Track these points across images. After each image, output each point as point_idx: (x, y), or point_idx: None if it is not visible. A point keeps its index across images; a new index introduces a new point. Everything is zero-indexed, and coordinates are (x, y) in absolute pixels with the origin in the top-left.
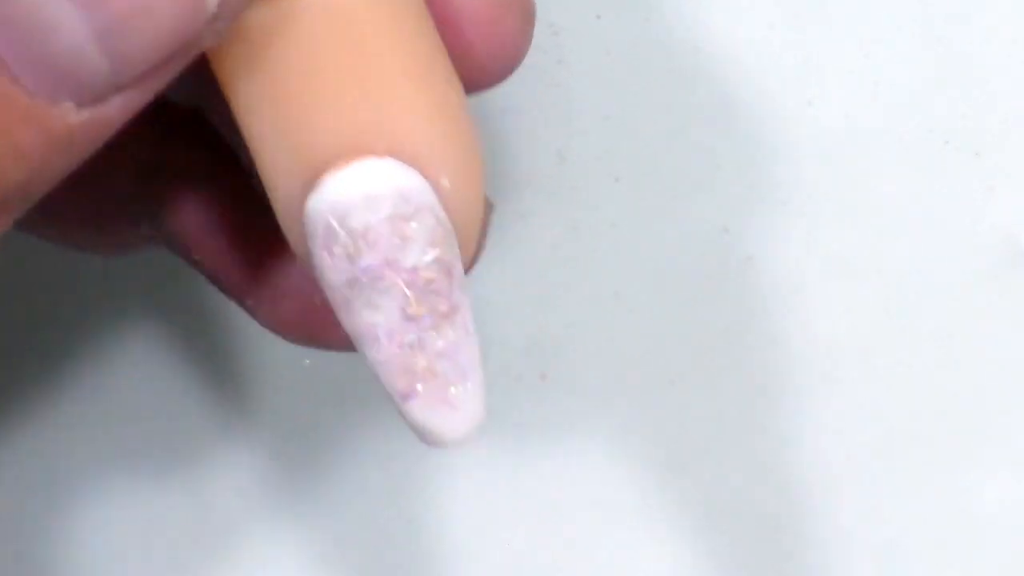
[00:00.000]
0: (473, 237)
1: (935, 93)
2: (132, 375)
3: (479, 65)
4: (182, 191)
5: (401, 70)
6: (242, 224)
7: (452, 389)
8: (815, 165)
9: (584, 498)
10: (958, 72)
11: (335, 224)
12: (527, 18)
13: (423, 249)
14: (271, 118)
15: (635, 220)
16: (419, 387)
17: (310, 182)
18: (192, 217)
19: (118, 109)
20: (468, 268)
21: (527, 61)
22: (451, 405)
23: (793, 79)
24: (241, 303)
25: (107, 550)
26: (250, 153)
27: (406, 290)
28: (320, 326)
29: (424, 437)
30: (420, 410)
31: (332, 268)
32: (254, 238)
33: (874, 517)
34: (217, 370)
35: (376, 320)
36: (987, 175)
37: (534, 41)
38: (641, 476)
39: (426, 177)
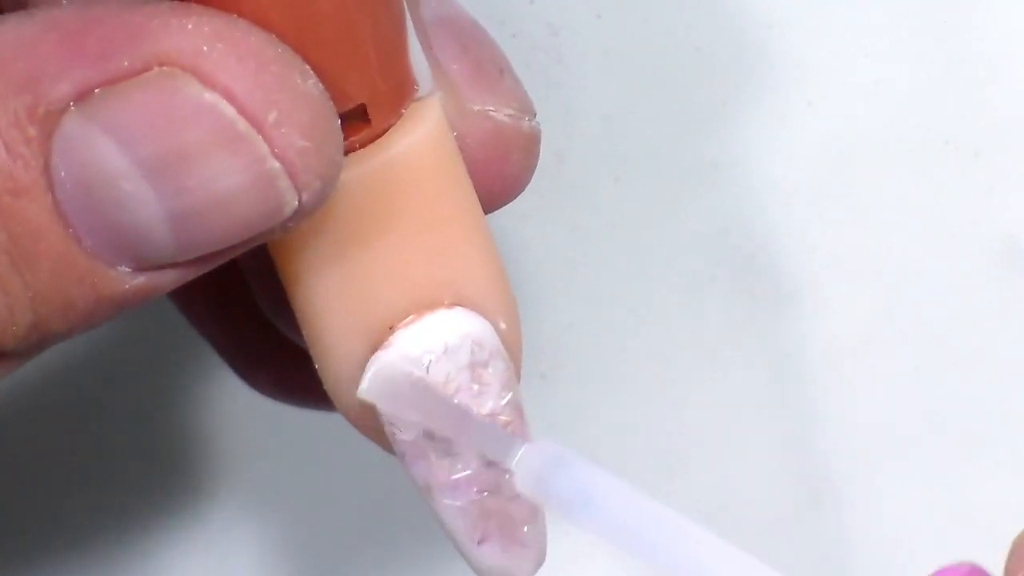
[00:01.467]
0: (520, 370)
1: (935, 93)
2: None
3: (483, 199)
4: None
5: (461, 224)
6: (233, 299)
7: (525, 528)
8: (815, 165)
9: None
10: (958, 72)
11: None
12: (530, 153)
13: (499, 393)
14: (334, 277)
15: (635, 220)
16: (495, 532)
17: (378, 340)
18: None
19: (172, 279)
20: None
21: (527, 60)
22: (523, 544)
23: (793, 79)
24: (224, 358)
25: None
26: (295, 307)
27: None
28: (294, 390)
29: None
30: (495, 552)
31: (410, 422)
32: (241, 312)
33: (874, 515)
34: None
35: (456, 469)
36: (987, 175)
37: (534, 41)
38: (641, 476)
39: (489, 322)
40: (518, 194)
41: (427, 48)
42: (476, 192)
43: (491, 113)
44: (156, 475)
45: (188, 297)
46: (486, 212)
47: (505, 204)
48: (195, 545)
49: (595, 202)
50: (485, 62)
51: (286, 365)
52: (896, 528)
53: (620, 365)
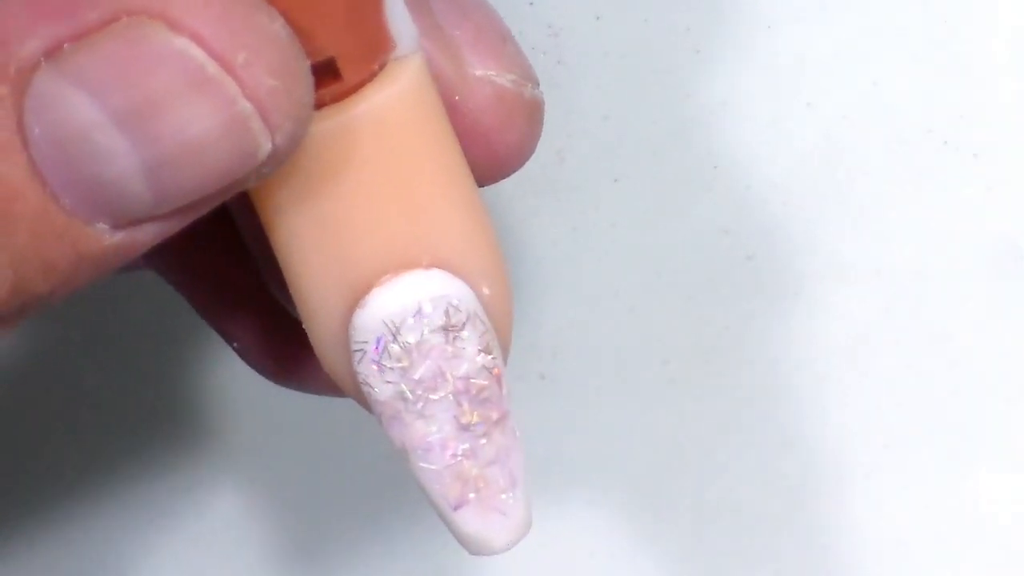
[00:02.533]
0: (509, 339)
1: (935, 93)
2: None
3: (486, 167)
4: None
5: (441, 184)
6: (233, 277)
7: (503, 496)
8: (815, 165)
9: (583, 498)
10: (958, 72)
11: (388, 338)
12: (533, 121)
13: (474, 357)
14: (312, 235)
15: (635, 220)
16: (471, 495)
17: (356, 298)
18: (187, 267)
19: (151, 235)
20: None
21: None
22: (501, 512)
23: (793, 79)
24: (229, 342)
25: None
26: (281, 266)
27: (460, 399)
28: (299, 373)
29: (472, 545)
30: (471, 518)
31: (383, 382)
32: (245, 290)
33: (874, 516)
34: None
35: (429, 431)
36: (986, 175)
37: (534, 41)
38: (641, 476)
39: (469, 284)
40: (523, 163)
41: (427, 13)
42: (479, 159)
43: (493, 78)
44: (158, 459)
45: (192, 282)
46: (491, 181)
47: (510, 173)
48: (196, 528)
49: (595, 202)
50: (486, 28)
51: (291, 348)
52: (896, 528)
53: (620, 365)
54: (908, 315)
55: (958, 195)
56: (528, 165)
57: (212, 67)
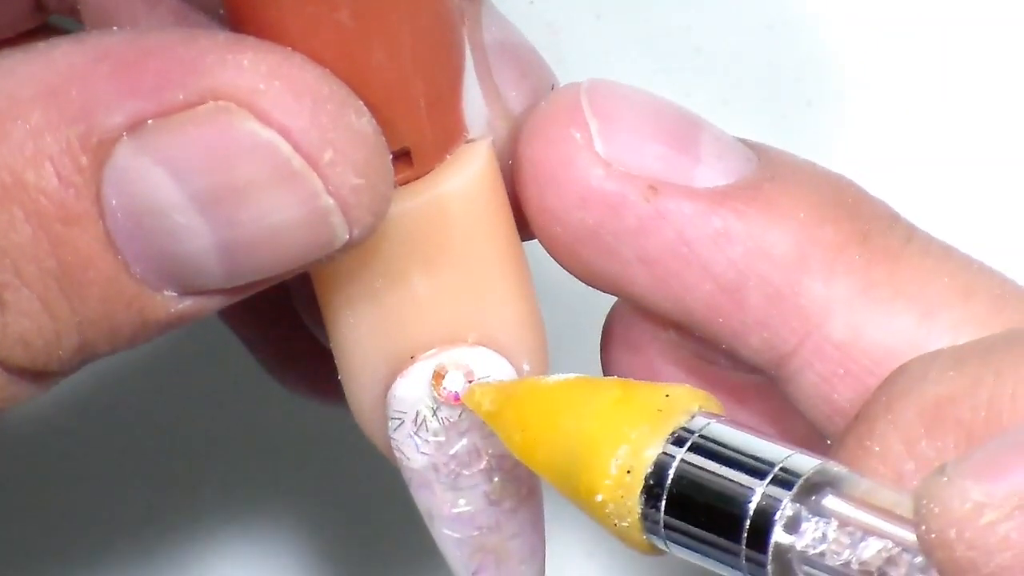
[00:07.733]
0: None
1: (934, 94)
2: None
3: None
4: None
5: (495, 267)
6: (267, 298)
7: (521, 566)
8: None
9: None
10: (956, 73)
11: (426, 412)
12: None
13: None
14: (364, 304)
15: None
16: (491, 566)
17: (399, 367)
18: None
19: (216, 304)
20: None
21: None
22: None
23: (793, 79)
24: (254, 354)
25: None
26: (326, 322)
27: (493, 475)
28: (323, 387)
29: None
30: None
31: (418, 452)
32: (275, 311)
33: None
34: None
35: (458, 503)
36: (985, 175)
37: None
38: None
39: (511, 363)
40: None
41: (486, 74)
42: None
43: None
44: (174, 473)
45: None
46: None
47: None
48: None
49: None
50: (542, 91)
51: (316, 362)
52: None
53: None
54: None
55: (958, 196)
56: None
57: (298, 162)
